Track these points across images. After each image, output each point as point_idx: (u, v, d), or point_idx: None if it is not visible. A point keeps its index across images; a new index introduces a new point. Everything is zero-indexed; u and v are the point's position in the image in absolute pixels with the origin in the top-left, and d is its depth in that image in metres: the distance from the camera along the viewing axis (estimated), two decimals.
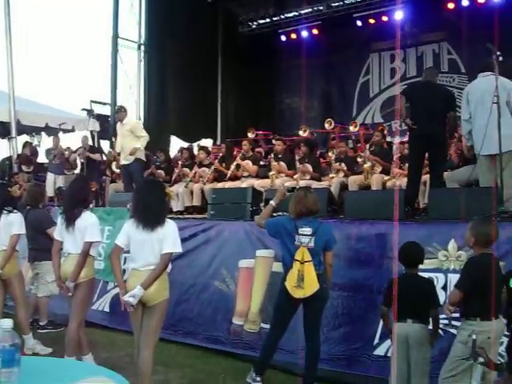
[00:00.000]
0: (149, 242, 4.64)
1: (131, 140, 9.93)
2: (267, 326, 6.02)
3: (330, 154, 10.81)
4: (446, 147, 7.98)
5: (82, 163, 11.30)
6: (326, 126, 13.27)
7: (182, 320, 7.13)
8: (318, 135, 14.17)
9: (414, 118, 7.04)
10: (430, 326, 4.60)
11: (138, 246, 4.71)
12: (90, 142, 12.16)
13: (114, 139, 11.26)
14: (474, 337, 3.57)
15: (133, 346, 4.87)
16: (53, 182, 11.90)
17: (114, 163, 11.72)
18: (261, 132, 14.33)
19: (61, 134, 12.87)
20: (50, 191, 11.48)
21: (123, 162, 10.14)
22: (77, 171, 12.34)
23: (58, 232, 5.56)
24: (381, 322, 5.28)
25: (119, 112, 10.35)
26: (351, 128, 12.27)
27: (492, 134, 5.97)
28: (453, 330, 4.75)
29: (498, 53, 6.15)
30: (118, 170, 11.47)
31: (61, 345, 5.82)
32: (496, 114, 5.91)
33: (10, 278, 6.29)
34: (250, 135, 13.59)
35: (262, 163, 10.93)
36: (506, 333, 4.00)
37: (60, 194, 10.07)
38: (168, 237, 4.67)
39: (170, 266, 4.93)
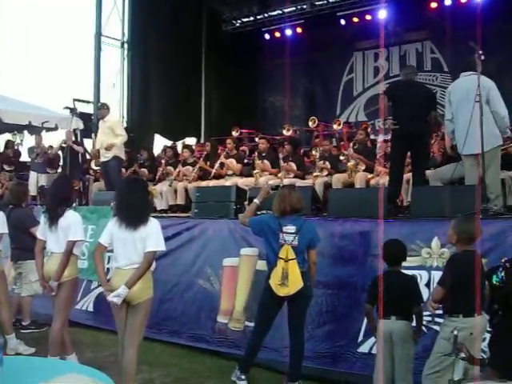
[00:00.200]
0: (132, 240, 4.64)
1: (110, 137, 9.89)
2: (252, 325, 6.01)
3: (313, 152, 10.83)
4: (429, 146, 8.12)
5: (64, 158, 11.19)
6: (310, 124, 13.24)
7: (167, 319, 7.11)
8: (301, 133, 14.18)
9: (397, 117, 7.08)
10: (414, 323, 4.63)
11: (121, 244, 4.70)
12: (73, 138, 12.07)
13: (94, 136, 11.18)
14: (455, 332, 3.60)
15: (117, 346, 4.86)
16: (35, 181, 11.78)
17: (93, 161, 11.66)
18: (245, 131, 14.31)
19: (43, 133, 12.75)
20: (32, 190, 11.37)
21: (102, 159, 10.13)
22: (59, 170, 12.25)
23: (41, 231, 5.52)
24: (365, 320, 5.30)
25: (101, 109, 10.31)
26: (335, 126, 12.28)
27: (474, 132, 6.01)
28: (436, 327, 4.78)
29: (481, 52, 6.19)
30: (97, 168, 11.42)
31: (44, 345, 5.78)
32: (478, 113, 5.96)
33: None
34: (235, 134, 13.57)
35: (245, 161, 10.93)
36: (489, 329, 4.04)
37: (42, 193, 10.00)
38: (151, 235, 4.66)
39: (153, 265, 4.92)
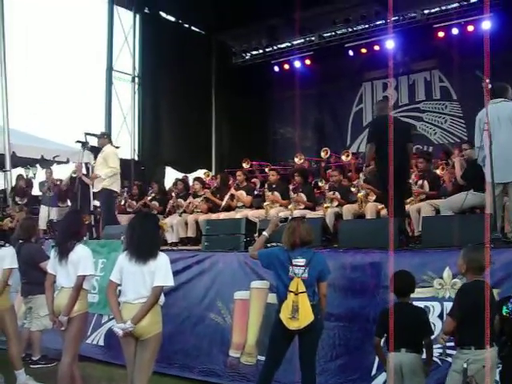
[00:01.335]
0: (141, 274, 4.64)
1: (103, 168, 9.77)
2: (264, 358, 5.94)
3: (320, 183, 10.84)
4: (408, 178, 8.39)
5: (75, 192, 11.21)
6: (322, 154, 13.37)
7: (178, 353, 7.05)
8: (312, 164, 14.24)
9: (381, 154, 7.20)
10: (424, 356, 4.56)
11: (130, 278, 4.70)
12: (84, 171, 12.13)
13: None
14: (464, 365, 3.54)
15: (127, 381, 4.81)
16: (46, 215, 11.84)
17: None
18: (256, 163, 14.38)
19: (55, 166, 12.86)
20: (42, 224, 11.43)
21: (94, 189, 10.05)
22: (70, 203, 12.30)
23: (51, 265, 5.51)
24: None
25: (101, 138, 10.16)
26: (343, 157, 12.33)
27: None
28: (450, 359, 4.69)
29: (488, 80, 6.18)
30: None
31: (54, 380, 5.72)
32: (487, 142, 5.94)
33: (2, 313, 6.23)
34: (245, 166, 13.64)
35: (256, 193, 10.93)
36: (499, 360, 3.97)
37: (52, 227, 10.01)
38: (160, 270, 4.66)
39: (163, 299, 4.89)
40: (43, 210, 12.11)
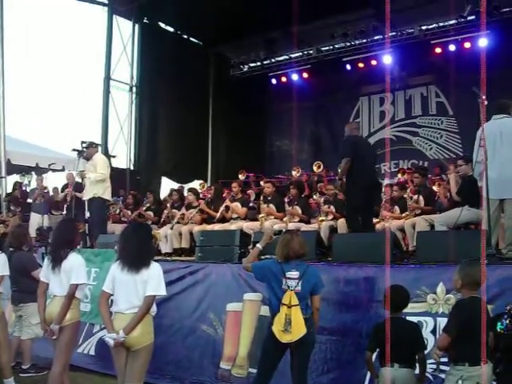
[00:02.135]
0: (133, 283, 4.63)
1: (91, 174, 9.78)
2: (255, 371, 5.89)
3: (314, 196, 10.85)
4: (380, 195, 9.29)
5: (69, 203, 11.19)
6: (315, 168, 13.41)
7: (169, 364, 7.00)
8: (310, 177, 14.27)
9: (359, 171, 7.64)
10: (417, 371, 4.54)
11: (122, 287, 4.69)
12: (78, 180, 12.11)
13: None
14: (459, 382, 3.51)
15: None
16: (37, 222, 11.82)
17: None
18: (252, 175, 14.39)
19: (50, 174, 12.83)
20: (33, 232, 11.38)
21: (85, 197, 10.07)
22: (64, 212, 12.27)
23: (44, 273, 5.49)
24: None
25: (90, 148, 10.02)
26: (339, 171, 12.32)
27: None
28: (442, 375, 4.68)
29: (484, 97, 6.19)
30: None
31: None
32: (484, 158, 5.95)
33: None
34: (241, 177, 13.64)
35: (251, 205, 10.91)
36: (494, 377, 3.95)
37: (41, 234, 9.94)
38: (152, 279, 4.65)
39: (155, 309, 4.87)
40: (33, 218, 12.09)
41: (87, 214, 10.78)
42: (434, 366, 4.73)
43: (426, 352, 4.68)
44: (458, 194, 7.66)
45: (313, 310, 5.14)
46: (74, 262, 5.37)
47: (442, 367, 4.53)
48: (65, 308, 5.24)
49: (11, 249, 7.19)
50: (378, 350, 4.62)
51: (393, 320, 4.56)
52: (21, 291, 7.04)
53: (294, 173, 13.36)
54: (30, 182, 13.85)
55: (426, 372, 4.66)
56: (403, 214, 8.77)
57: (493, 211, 6.06)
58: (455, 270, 4.34)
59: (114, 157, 15.92)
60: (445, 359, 4.26)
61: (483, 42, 13.46)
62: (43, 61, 15.47)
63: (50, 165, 12.31)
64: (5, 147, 12.47)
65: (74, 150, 10.15)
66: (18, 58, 14.23)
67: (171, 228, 10.52)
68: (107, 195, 10.01)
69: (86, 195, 9.91)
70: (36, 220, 12.06)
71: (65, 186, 12.36)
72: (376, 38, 15.57)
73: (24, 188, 13.65)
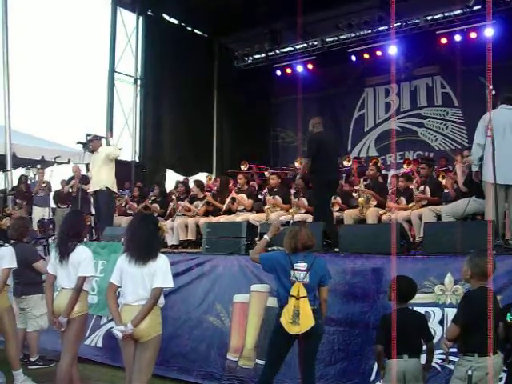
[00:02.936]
0: (140, 275, 4.63)
1: (102, 165, 9.81)
2: (262, 362, 5.90)
3: None
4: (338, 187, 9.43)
5: (75, 194, 11.21)
6: None
7: (176, 356, 7.02)
8: None
9: (323, 167, 7.80)
10: (422, 361, 4.53)
11: (129, 280, 4.69)
12: (84, 173, 12.12)
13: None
14: (469, 372, 3.50)
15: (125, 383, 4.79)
16: (40, 215, 11.85)
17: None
18: (254, 166, 14.38)
19: (56, 166, 12.86)
20: (35, 224, 11.41)
21: (91, 189, 10.07)
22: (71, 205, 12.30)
23: (52, 266, 5.49)
24: None
25: (94, 140, 10.05)
26: (345, 163, 12.30)
27: None
28: (450, 366, 4.67)
29: (491, 87, 6.16)
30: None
31: (52, 381, 5.70)
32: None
33: (0, 313, 6.21)
34: (243, 168, 13.64)
35: (257, 197, 10.92)
36: (505, 368, 3.93)
37: (42, 227, 9.94)
38: (159, 271, 4.65)
39: (162, 301, 4.87)
40: (36, 211, 12.13)
41: (92, 207, 10.81)
42: (443, 357, 4.72)
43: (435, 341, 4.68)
44: (464, 184, 7.63)
45: (321, 302, 5.14)
46: (82, 254, 5.37)
47: (451, 358, 4.52)
48: (73, 300, 5.25)
49: (12, 241, 7.17)
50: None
51: (400, 311, 4.55)
52: (23, 283, 7.05)
53: (297, 164, 13.34)
54: (35, 175, 13.89)
55: (432, 362, 4.65)
56: (409, 205, 8.75)
57: (499, 200, 6.05)
58: (464, 260, 4.33)
59: (119, 149, 15.91)
60: (454, 350, 4.25)
61: (489, 32, 13.36)
62: (47, 54, 15.52)
63: (55, 158, 12.34)
64: (10, 140, 12.46)
65: (79, 142, 10.17)
66: (22, 52, 14.24)
67: (172, 220, 10.54)
68: (115, 188, 10.03)
69: (93, 187, 9.92)
70: (39, 213, 12.10)
71: (71, 179, 12.38)
72: (381, 28, 15.44)
73: (29, 181, 13.69)
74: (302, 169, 7.94)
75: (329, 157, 7.90)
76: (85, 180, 11.44)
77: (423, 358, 4.54)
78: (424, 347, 4.55)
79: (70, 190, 12.18)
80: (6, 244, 6.27)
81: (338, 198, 9.61)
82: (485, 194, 6.46)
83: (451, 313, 4.83)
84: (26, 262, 7.01)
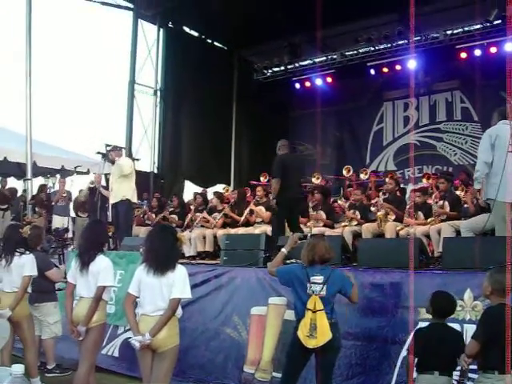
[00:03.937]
0: (159, 286, 4.65)
1: (118, 178, 9.83)
2: (279, 375, 5.88)
3: (339, 201, 10.82)
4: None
5: (95, 200, 11.26)
6: (344, 172, 13.37)
7: (193, 367, 7.01)
8: (331, 182, 14.24)
9: (286, 185, 8.17)
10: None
11: (148, 290, 4.71)
12: (104, 183, 12.19)
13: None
14: None
15: None
16: (61, 224, 11.93)
17: None
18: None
19: (75, 176, 12.98)
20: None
21: (111, 200, 10.09)
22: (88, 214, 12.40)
23: (72, 274, 5.53)
24: (395, 373, 5.19)
25: (114, 151, 10.07)
26: (361, 176, 12.29)
27: None
28: (470, 383, 4.63)
29: None
30: None
31: None
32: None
33: (20, 320, 6.24)
34: (263, 179, 13.65)
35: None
36: None
37: (57, 235, 9.99)
38: (177, 282, 4.66)
39: (180, 312, 4.89)
40: (56, 220, 12.22)
41: (109, 217, 10.86)
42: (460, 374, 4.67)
43: None
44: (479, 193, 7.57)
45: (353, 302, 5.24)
46: (102, 264, 5.40)
47: (471, 375, 4.48)
48: (92, 310, 5.27)
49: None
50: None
51: (436, 326, 4.51)
52: (36, 291, 7.07)
53: (313, 179, 13.33)
54: (54, 184, 14.00)
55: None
56: (428, 220, 8.69)
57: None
58: (484, 276, 4.30)
59: (137, 160, 16.01)
60: (473, 366, 4.21)
61: (509, 47, 13.30)
62: (69, 64, 15.66)
63: (75, 167, 12.45)
64: (31, 149, 12.58)
65: (99, 152, 10.24)
66: (44, 62, 14.40)
67: (190, 231, 10.56)
68: (135, 199, 10.08)
69: (113, 199, 9.97)
70: (58, 222, 12.18)
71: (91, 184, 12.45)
72: (400, 42, 15.47)
73: (48, 190, 13.80)
74: (273, 189, 8.26)
75: (290, 177, 8.28)
76: (104, 187, 11.54)
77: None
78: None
79: (89, 196, 12.23)
80: (27, 252, 6.32)
81: (357, 213, 9.57)
82: (493, 212, 6.41)
83: (470, 329, 4.79)
84: (38, 270, 7.04)
